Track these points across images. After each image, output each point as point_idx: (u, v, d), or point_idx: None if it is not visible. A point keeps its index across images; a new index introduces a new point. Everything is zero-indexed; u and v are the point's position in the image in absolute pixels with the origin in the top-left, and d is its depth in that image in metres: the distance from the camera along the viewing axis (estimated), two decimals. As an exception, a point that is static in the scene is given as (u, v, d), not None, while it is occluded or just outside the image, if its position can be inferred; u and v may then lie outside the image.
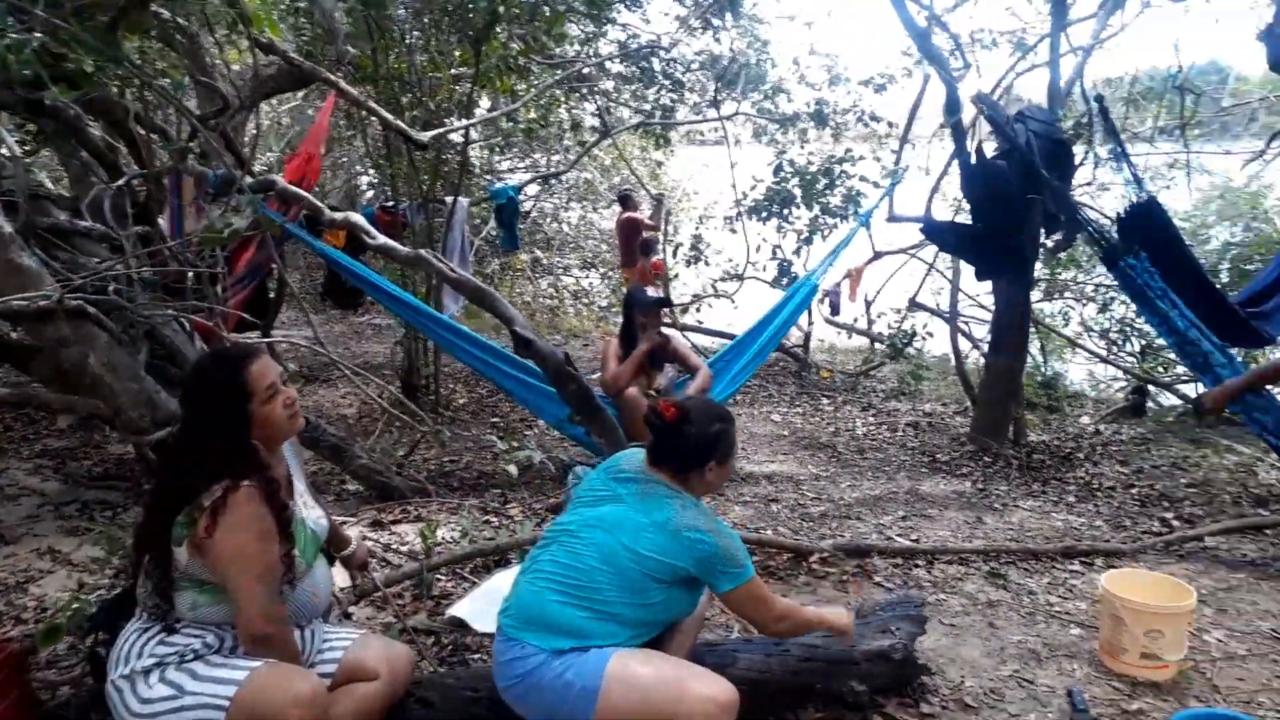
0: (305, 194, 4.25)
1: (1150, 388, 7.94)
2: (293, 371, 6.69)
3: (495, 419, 6.23)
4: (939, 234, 6.21)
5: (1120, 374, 9.18)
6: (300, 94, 8.52)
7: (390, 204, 6.92)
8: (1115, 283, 8.98)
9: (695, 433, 2.32)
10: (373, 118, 6.05)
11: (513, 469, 4.00)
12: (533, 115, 8.36)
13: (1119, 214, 5.23)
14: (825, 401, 7.14)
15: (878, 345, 8.94)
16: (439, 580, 3.44)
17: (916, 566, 3.87)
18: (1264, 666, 3.01)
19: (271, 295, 5.80)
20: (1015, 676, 2.95)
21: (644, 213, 9.95)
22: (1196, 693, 2.85)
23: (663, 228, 9.86)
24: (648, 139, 10.63)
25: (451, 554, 3.48)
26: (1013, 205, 5.61)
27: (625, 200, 9.81)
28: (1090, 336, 9.44)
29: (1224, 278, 8.13)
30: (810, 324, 8.31)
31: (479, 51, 5.18)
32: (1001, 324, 5.92)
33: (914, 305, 8.52)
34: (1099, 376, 9.56)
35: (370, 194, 11.40)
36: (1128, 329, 9.26)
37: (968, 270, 6.52)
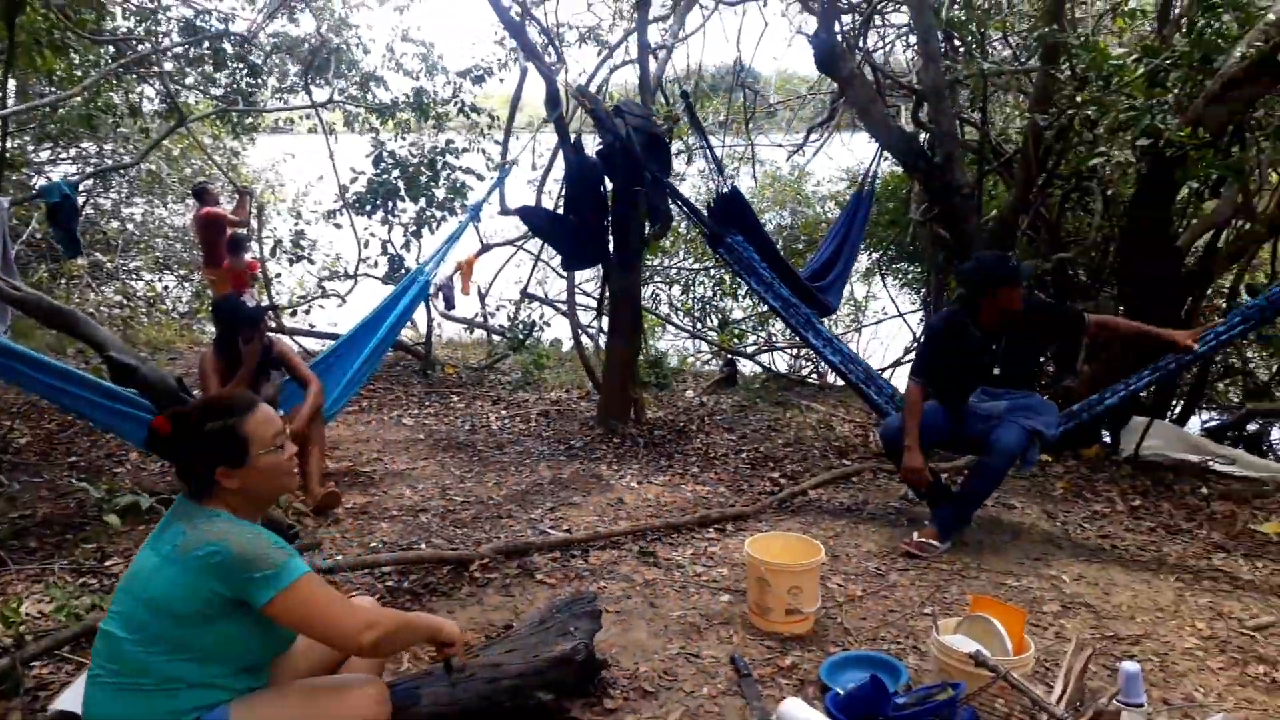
0: None
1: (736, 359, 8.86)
2: None
3: (73, 458, 5.24)
4: (534, 220, 6.35)
5: (705, 347, 10.19)
6: None
7: (-107, 207, 5.50)
8: (697, 267, 10.07)
9: (189, 441, 1.98)
10: None
11: (114, 519, 3.38)
12: (78, 100, 7.20)
13: (709, 203, 5.76)
14: (456, 399, 7.00)
15: (495, 338, 8.99)
16: (32, 668, 2.81)
17: (574, 557, 3.91)
18: (878, 603, 3.45)
19: None
20: (683, 652, 3.07)
21: (225, 207, 8.97)
22: (833, 639, 3.16)
23: (252, 223, 8.99)
24: (223, 127, 9.64)
25: (55, 636, 2.85)
26: (603, 200, 5.88)
27: (201, 194, 8.73)
28: (678, 315, 10.36)
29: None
30: (430, 320, 8.11)
31: (12, 24, 4.25)
32: (617, 310, 6.20)
33: (526, 296, 8.70)
34: (688, 351, 10.54)
35: None
36: (708, 306, 10.33)
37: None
